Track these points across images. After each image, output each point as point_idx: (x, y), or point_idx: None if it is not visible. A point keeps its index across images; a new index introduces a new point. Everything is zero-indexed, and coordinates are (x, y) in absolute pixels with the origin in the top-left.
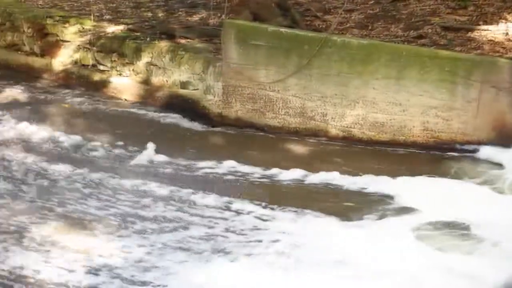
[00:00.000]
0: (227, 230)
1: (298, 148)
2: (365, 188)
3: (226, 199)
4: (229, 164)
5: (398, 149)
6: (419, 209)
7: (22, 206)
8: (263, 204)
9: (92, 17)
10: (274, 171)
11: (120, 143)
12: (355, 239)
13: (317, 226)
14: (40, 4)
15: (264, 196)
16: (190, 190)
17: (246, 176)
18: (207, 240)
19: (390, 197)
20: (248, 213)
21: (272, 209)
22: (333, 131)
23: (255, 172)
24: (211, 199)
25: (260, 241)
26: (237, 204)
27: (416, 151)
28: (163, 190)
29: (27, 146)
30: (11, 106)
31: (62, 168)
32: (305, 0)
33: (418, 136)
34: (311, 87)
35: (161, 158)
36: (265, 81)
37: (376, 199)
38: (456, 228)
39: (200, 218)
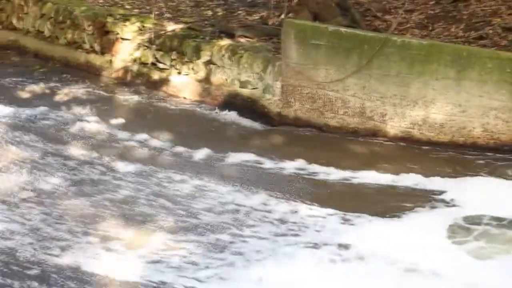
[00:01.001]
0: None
1: (358, 148)
2: (423, 188)
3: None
4: (293, 165)
5: (458, 150)
6: None
7: (85, 202)
8: (336, 207)
9: (152, 15)
10: (342, 172)
11: (180, 141)
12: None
13: None
14: (101, 2)
15: (336, 199)
16: (255, 191)
17: (312, 176)
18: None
19: (445, 196)
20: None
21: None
22: (392, 132)
23: (321, 172)
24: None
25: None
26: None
27: (476, 152)
28: (226, 189)
29: (89, 143)
30: (72, 103)
31: (123, 165)
32: (365, 0)
33: (478, 137)
34: (371, 87)
35: (221, 156)
36: (325, 81)
37: (434, 199)
38: None
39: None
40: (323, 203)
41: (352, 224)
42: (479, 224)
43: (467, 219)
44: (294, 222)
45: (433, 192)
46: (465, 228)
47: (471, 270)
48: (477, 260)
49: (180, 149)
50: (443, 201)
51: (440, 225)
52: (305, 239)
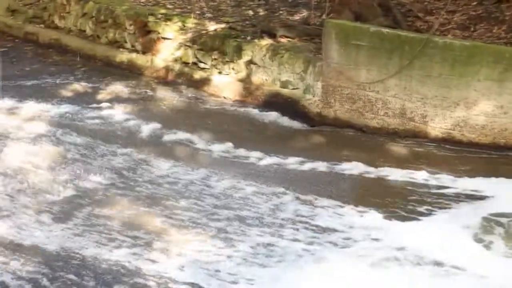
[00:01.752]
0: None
1: (399, 149)
2: (463, 188)
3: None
4: (341, 165)
5: (499, 152)
6: None
7: (127, 200)
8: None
9: (193, 15)
10: (383, 171)
11: (220, 140)
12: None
13: None
14: (142, 2)
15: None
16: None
17: (358, 176)
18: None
19: (485, 196)
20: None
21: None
22: (433, 133)
23: (366, 172)
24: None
25: None
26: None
27: None
28: (269, 190)
29: (130, 141)
30: (113, 102)
31: (163, 163)
32: (407, 0)
33: None
34: (412, 88)
35: (262, 156)
36: (365, 82)
37: (473, 199)
38: None
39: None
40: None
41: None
42: None
43: (506, 218)
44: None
45: (472, 192)
46: (504, 228)
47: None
48: None
49: (219, 147)
50: (483, 201)
51: (476, 224)
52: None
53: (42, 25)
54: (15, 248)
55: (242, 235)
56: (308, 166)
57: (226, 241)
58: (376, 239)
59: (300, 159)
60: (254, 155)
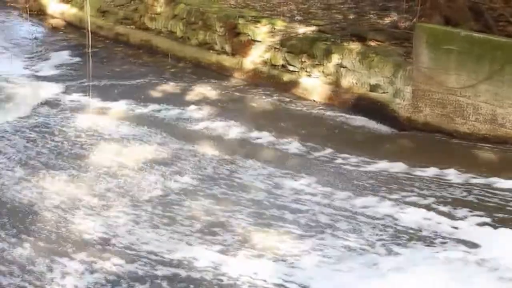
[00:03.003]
0: None
1: (490, 155)
2: None
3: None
4: (429, 171)
5: None
6: None
7: (214, 201)
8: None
9: (283, 18)
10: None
11: (308, 143)
12: None
13: None
14: (232, 4)
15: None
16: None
17: (453, 184)
18: None
19: None
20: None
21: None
22: None
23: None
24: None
25: None
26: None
27: None
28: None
29: (217, 142)
30: (202, 103)
31: (251, 165)
32: (499, 5)
33: None
34: (503, 93)
35: (350, 159)
36: (456, 86)
37: None
38: None
39: None
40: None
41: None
42: None
43: None
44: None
45: None
46: None
47: None
48: None
49: (305, 150)
50: None
51: None
52: None
53: (132, 26)
54: (104, 246)
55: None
56: (393, 170)
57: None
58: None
59: (396, 163)
60: (353, 161)
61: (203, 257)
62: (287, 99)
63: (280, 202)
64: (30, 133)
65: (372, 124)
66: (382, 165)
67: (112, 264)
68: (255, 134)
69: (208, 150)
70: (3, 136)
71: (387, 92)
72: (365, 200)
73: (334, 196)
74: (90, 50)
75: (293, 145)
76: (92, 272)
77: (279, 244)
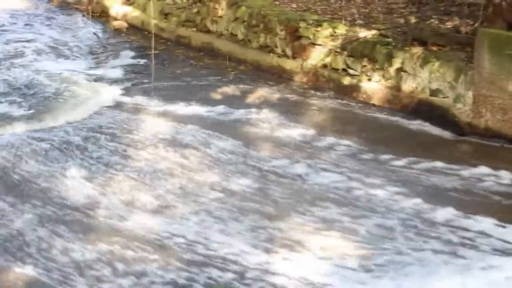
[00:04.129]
0: None
1: None
2: None
3: None
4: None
5: None
6: None
7: (276, 205)
8: None
9: (344, 21)
10: None
11: (367, 147)
12: None
13: None
14: (294, 7)
15: None
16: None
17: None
18: None
19: None
20: None
21: None
22: None
23: None
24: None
25: None
26: None
27: None
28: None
29: (278, 145)
30: (263, 105)
31: (303, 168)
32: None
33: None
34: None
35: (411, 163)
36: None
37: None
38: None
39: None
40: None
41: None
42: None
43: None
44: None
45: None
46: None
47: None
48: None
49: (364, 155)
50: None
51: None
52: None
53: (194, 29)
54: (162, 244)
55: None
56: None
57: None
58: None
59: (445, 165)
60: (415, 165)
61: (258, 254)
62: (347, 103)
63: (339, 202)
64: (92, 134)
65: (432, 129)
66: (443, 169)
67: (177, 265)
68: (316, 136)
69: (269, 152)
70: (64, 137)
71: (448, 97)
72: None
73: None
74: (152, 52)
75: (354, 148)
76: (154, 272)
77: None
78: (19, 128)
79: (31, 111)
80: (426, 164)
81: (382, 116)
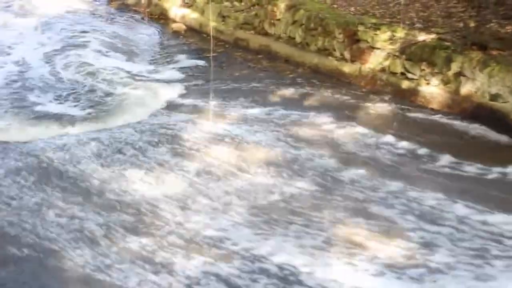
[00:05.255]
0: None
1: None
2: None
3: None
4: None
5: None
6: None
7: (325, 205)
8: None
9: (402, 25)
10: None
11: (424, 150)
12: None
13: None
14: (352, 11)
15: None
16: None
17: None
18: None
19: None
20: None
21: None
22: None
23: None
24: None
25: None
26: None
27: None
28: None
29: (337, 147)
30: (321, 108)
31: (360, 171)
32: None
33: None
34: None
35: (471, 168)
36: None
37: None
38: None
39: None
40: None
41: None
42: None
43: None
44: None
45: None
46: None
47: None
48: None
49: (423, 159)
50: None
51: None
52: None
53: (252, 31)
54: (218, 247)
55: None
56: None
57: None
58: None
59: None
60: (474, 170)
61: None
62: (406, 107)
63: (392, 205)
64: (149, 135)
65: (491, 134)
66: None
67: (228, 267)
68: (374, 139)
69: (327, 154)
70: (122, 138)
71: (507, 102)
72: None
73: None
74: (210, 55)
75: (413, 152)
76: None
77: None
78: (77, 128)
79: (89, 112)
80: (493, 170)
81: (440, 120)
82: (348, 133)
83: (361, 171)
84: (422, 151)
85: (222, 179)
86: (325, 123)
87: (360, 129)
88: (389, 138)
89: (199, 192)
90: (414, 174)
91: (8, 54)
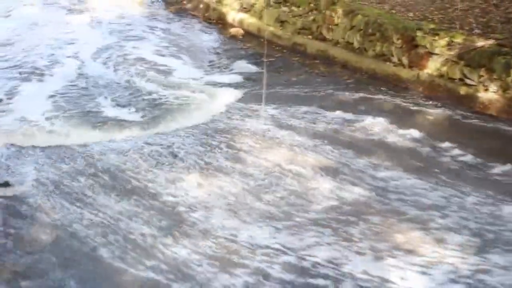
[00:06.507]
0: None
1: None
2: None
3: None
4: None
5: None
6: None
7: (385, 215)
8: None
9: (461, 30)
10: None
11: (483, 157)
12: None
13: None
14: (410, 16)
15: None
16: None
17: None
18: None
19: None
20: None
21: None
22: None
23: None
24: None
25: None
26: None
27: None
28: None
29: (390, 153)
30: (378, 114)
31: (417, 180)
32: None
33: None
34: None
35: None
36: None
37: None
38: None
39: None
40: None
41: None
42: None
43: None
44: None
45: None
46: None
47: None
48: None
49: (479, 166)
50: None
51: None
52: None
53: (310, 36)
54: (276, 255)
55: None
56: None
57: None
58: None
59: None
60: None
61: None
62: (464, 113)
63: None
64: (205, 139)
65: None
66: None
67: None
68: (432, 146)
69: (384, 161)
70: (178, 142)
71: None
72: None
73: None
74: (268, 59)
75: (473, 160)
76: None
77: None
78: (134, 132)
79: (146, 115)
80: None
81: (499, 126)
82: (407, 139)
83: (422, 179)
84: (480, 158)
85: (276, 183)
86: (383, 129)
87: (419, 135)
88: (447, 144)
89: (251, 197)
90: (471, 181)
91: (69, 56)
